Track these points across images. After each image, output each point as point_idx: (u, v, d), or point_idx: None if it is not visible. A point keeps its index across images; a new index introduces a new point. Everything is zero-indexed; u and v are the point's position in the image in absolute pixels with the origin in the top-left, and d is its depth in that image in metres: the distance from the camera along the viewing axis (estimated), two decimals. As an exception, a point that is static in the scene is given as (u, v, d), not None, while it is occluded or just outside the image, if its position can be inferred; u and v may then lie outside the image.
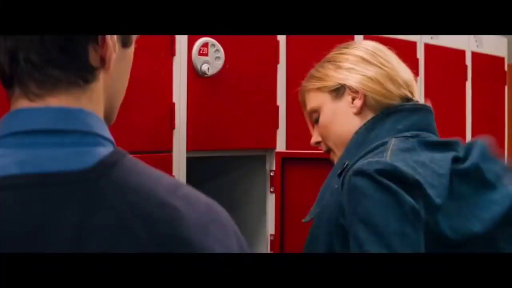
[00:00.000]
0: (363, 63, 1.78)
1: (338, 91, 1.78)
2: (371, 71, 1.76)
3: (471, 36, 3.68)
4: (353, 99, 1.76)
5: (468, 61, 3.64)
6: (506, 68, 3.98)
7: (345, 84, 1.77)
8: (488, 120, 3.79)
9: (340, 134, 1.77)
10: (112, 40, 0.98)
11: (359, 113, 1.76)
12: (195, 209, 0.94)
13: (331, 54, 1.86)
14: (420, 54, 3.33)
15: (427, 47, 3.33)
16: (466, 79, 3.62)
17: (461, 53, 3.61)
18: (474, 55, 3.68)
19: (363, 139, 1.69)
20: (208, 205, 0.97)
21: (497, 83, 3.94)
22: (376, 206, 1.44)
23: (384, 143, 1.61)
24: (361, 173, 1.48)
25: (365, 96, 1.75)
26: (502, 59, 3.96)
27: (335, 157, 1.79)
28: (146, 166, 0.98)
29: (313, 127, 1.90)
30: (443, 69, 3.49)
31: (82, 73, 0.96)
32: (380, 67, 1.77)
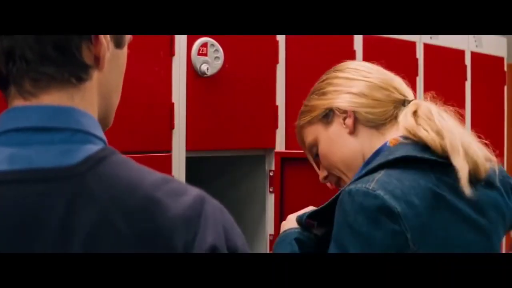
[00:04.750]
0: (346, 81, 1.73)
1: (328, 116, 1.73)
2: (355, 87, 1.71)
3: (471, 36, 3.68)
4: (344, 120, 1.71)
5: (468, 61, 3.64)
6: (505, 68, 3.98)
7: (331, 107, 1.72)
8: (487, 120, 3.79)
9: (342, 158, 1.72)
10: (106, 39, 0.99)
11: (352, 132, 1.70)
12: (180, 203, 0.94)
13: (315, 85, 1.81)
14: (420, 54, 3.33)
15: (427, 47, 3.33)
16: (465, 79, 3.62)
17: (461, 53, 3.61)
18: (474, 55, 3.68)
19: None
20: (196, 199, 0.96)
21: (497, 83, 3.93)
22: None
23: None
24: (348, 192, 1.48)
25: (354, 113, 1.69)
26: (502, 59, 3.96)
27: (346, 183, 1.69)
28: (136, 164, 0.99)
29: (317, 164, 1.85)
30: (443, 69, 3.49)
31: (75, 71, 0.98)
32: (363, 80, 1.71)
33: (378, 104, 1.69)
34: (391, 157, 1.53)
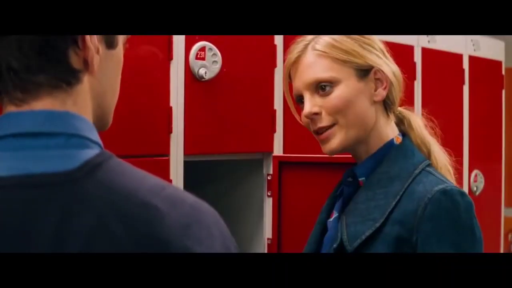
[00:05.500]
0: (385, 56, 1.73)
1: (366, 72, 1.68)
2: (394, 67, 1.72)
3: (468, 40, 3.68)
4: (376, 88, 1.69)
5: (466, 65, 3.64)
6: (503, 72, 3.98)
7: (376, 69, 1.68)
8: (485, 124, 3.79)
9: (359, 116, 1.67)
10: (93, 42, 0.99)
11: (374, 103, 1.69)
12: (177, 209, 0.94)
13: (351, 36, 1.72)
14: (418, 58, 3.33)
15: (424, 51, 3.33)
16: (463, 83, 3.62)
17: (458, 57, 3.61)
18: (472, 59, 3.68)
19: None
20: (192, 206, 0.96)
21: (495, 87, 3.93)
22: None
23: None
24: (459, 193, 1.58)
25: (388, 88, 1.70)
26: (500, 63, 3.96)
27: (337, 134, 1.67)
28: (134, 168, 0.98)
29: (310, 96, 1.69)
30: (440, 73, 3.49)
31: (64, 76, 0.97)
32: (394, 63, 1.74)
33: (398, 98, 1.74)
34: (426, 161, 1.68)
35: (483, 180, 3.67)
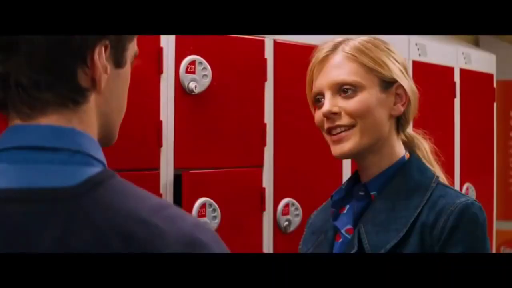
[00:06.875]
0: (406, 72, 1.77)
1: (388, 84, 1.72)
2: (413, 85, 1.77)
3: (460, 53, 3.69)
4: (395, 102, 1.73)
5: (457, 78, 3.64)
6: (495, 85, 3.99)
7: (398, 84, 1.72)
8: (477, 137, 3.79)
9: (376, 125, 1.69)
10: (101, 61, 1.00)
11: (391, 117, 1.73)
12: (178, 228, 0.95)
13: (380, 41, 1.76)
14: (408, 71, 3.32)
15: (415, 64, 3.33)
16: (454, 96, 3.63)
17: (450, 70, 3.61)
18: (463, 72, 3.68)
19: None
20: (193, 226, 0.97)
21: (486, 100, 3.94)
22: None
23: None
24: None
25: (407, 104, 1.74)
26: (491, 76, 3.97)
27: (352, 137, 1.68)
28: (135, 188, 1.00)
29: (332, 96, 1.71)
30: (432, 86, 3.49)
31: (71, 95, 0.98)
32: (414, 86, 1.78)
33: (414, 110, 1.78)
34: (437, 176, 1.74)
35: (474, 193, 3.67)
